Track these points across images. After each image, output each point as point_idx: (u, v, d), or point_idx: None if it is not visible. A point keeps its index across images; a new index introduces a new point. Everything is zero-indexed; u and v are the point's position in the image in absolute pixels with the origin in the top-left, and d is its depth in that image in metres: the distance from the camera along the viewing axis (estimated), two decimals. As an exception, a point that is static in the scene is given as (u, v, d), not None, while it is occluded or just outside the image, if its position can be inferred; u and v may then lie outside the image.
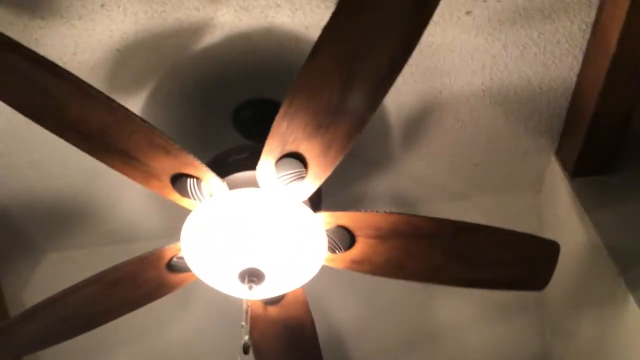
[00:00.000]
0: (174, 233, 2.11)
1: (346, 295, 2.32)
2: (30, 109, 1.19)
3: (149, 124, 1.22)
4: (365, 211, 1.41)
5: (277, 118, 1.23)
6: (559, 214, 2.01)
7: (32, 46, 1.51)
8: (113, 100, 1.19)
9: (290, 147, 1.28)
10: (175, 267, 1.46)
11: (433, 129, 1.89)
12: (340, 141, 1.26)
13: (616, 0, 1.47)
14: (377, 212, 1.41)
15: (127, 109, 1.20)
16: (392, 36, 1.08)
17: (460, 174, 2.06)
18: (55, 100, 1.17)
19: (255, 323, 1.56)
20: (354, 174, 2.03)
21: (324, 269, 1.60)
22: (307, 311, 1.58)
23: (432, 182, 2.08)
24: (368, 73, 1.15)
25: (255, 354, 1.68)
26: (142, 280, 1.47)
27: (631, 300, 1.58)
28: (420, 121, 1.87)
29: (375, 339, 2.40)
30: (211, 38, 1.57)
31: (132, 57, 1.59)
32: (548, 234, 2.11)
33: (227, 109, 1.76)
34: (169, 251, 1.44)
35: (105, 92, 1.64)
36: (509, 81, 1.74)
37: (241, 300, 2.27)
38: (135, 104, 1.70)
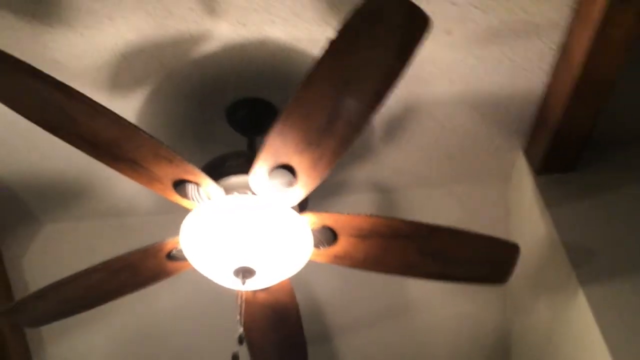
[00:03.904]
0: (168, 210, 2.24)
1: (326, 270, 2.49)
2: (48, 123, 1.32)
3: (155, 138, 1.35)
4: (348, 214, 1.57)
5: (272, 133, 1.36)
6: (524, 206, 2.18)
7: (41, 50, 1.62)
8: (122, 118, 1.31)
9: (282, 160, 1.42)
10: (175, 257, 1.62)
11: (412, 127, 2.03)
12: (328, 157, 1.40)
13: (583, 26, 1.60)
14: (359, 214, 1.57)
15: (135, 126, 1.33)
16: (377, 72, 1.24)
17: (436, 165, 2.21)
18: (70, 117, 1.29)
19: (246, 306, 1.73)
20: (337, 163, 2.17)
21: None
22: (293, 297, 1.76)
23: (409, 171, 2.23)
24: (355, 102, 1.29)
25: (246, 333, 1.86)
26: (143, 268, 1.63)
27: (581, 294, 1.75)
28: (400, 121, 2.00)
29: (351, 309, 2.60)
30: (208, 48, 1.68)
31: (134, 61, 1.70)
32: (513, 223, 2.31)
33: (222, 108, 1.88)
34: (169, 244, 1.59)
35: (108, 91, 1.76)
36: (484, 90, 1.87)
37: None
38: (136, 101, 1.82)
